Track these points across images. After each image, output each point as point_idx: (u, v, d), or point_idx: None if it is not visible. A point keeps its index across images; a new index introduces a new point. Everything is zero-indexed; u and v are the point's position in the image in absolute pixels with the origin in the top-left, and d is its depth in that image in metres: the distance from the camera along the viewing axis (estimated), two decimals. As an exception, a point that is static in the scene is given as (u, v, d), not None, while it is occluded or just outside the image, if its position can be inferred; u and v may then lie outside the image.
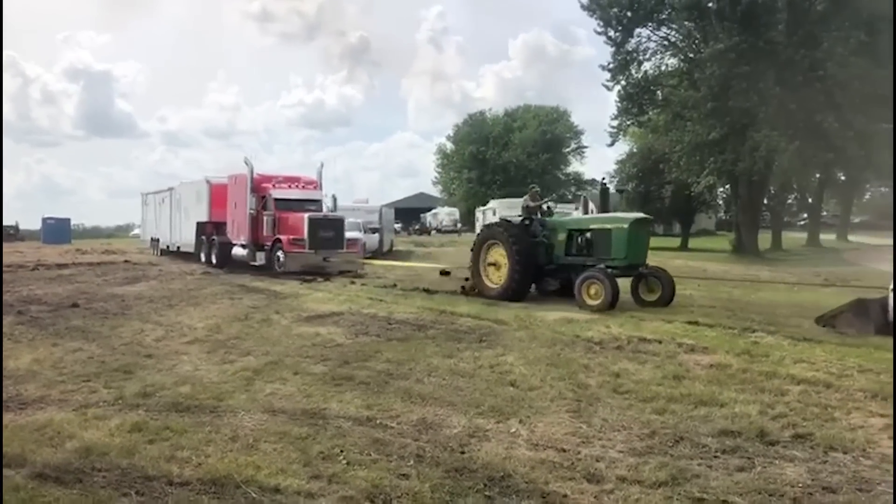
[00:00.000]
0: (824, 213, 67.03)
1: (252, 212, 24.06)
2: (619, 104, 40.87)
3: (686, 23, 36.19)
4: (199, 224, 27.87)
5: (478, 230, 62.71)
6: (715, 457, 5.44)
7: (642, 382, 7.59)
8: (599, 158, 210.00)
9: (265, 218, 23.65)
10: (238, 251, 24.90)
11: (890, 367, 7.78)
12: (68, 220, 56.25)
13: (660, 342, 9.56)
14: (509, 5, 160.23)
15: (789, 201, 64.39)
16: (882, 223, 79.28)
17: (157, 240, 34.14)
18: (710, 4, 33.35)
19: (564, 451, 5.62)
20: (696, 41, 36.75)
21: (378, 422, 6.43)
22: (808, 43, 32.29)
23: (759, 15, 31.60)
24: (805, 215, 66.47)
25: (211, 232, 27.06)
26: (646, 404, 6.81)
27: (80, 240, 56.23)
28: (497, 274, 15.45)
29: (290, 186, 25.16)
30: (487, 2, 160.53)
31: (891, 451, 5.45)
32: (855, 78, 32.31)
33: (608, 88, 40.17)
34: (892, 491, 4.73)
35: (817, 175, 51.67)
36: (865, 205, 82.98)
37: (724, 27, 33.12)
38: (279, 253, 22.95)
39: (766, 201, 46.74)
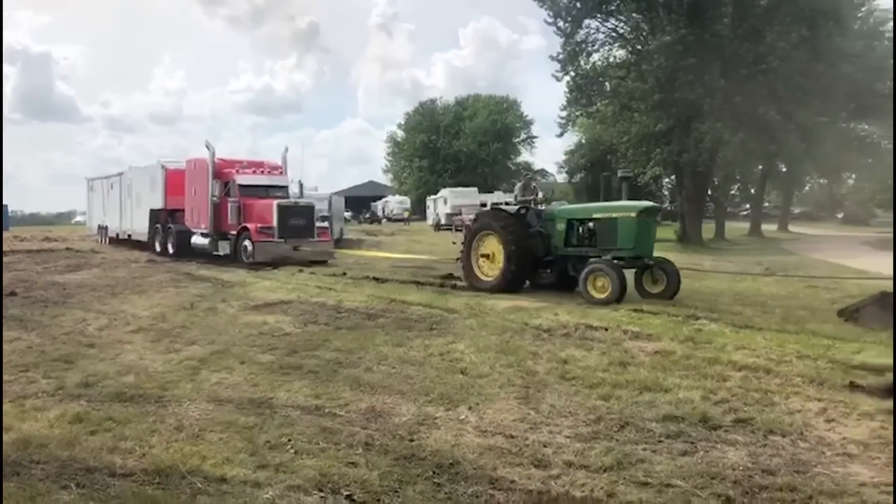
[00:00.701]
0: (766, 204, 68.70)
1: (215, 199, 22.89)
2: (568, 95, 41.10)
3: (634, 15, 36.55)
4: (152, 211, 26.61)
5: (429, 220, 62.68)
6: (659, 441, 5.55)
7: (589, 369, 7.69)
8: (549, 148, 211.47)
9: (229, 205, 22.42)
10: (198, 240, 23.76)
11: (826, 353, 8.03)
12: (6, 206, 54.53)
13: (606, 329, 9.69)
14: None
15: (733, 192, 65.70)
16: (821, 214, 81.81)
17: (105, 227, 32.75)
18: (658, -3, 33.78)
19: (512, 437, 5.67)
20: (644, 33, 37.14)
21: (326, 410, 6.41)
22: (751, 37, 32.94)
23: (705, 8, 32.09)
24: (748, 206, 68.02)
25: (166, 220, 25.94)
26: (592, 390, 6.91)
27: (19, 227, 54.60)
28: (490, 266, 14.74)
29: (254, 172, 23.82)
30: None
31: (827, 434, 5.63)
32: (796, 72, 33.11)
33: (557, 79, 40.31)
34: (828, 472, 4.89)
35: (760, 167, 52.80)
36: (805, 196, 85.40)
37: (671, 20, 33.57)
38: (246, 242, 21.67)
39: (710, 192, 47.58)
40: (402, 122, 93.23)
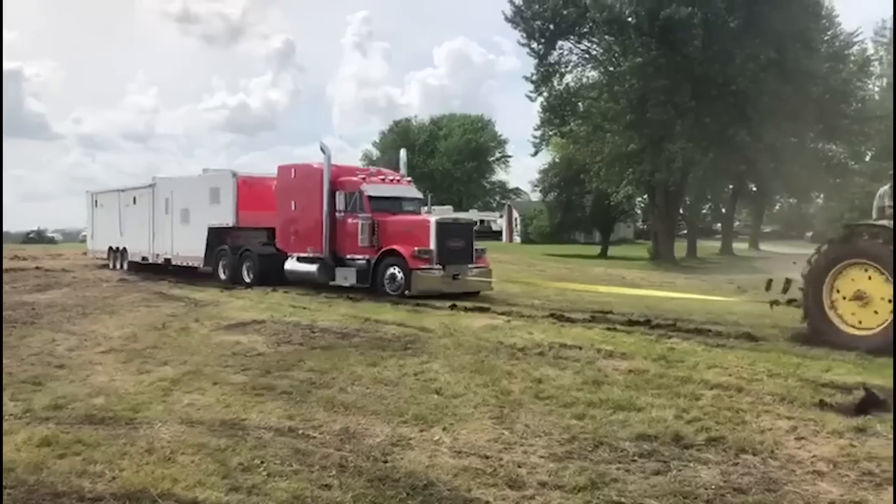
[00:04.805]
0: (737, 223, 69.59)
1: (340, 214, 18.59)
2: (542, 115, 41.62)
3: (606, 37, 37.08)
4: (213, 230, 22.12)
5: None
6: (633, 461, 5.57)
7: (563, 388, 7.71)
8: (524, 167, 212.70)
9: (360, 223, 17.86)
10: (297, 266, 19.55)
11: (796, 371, 8.14)
12: None
13: (580, 348, 9.73)
14: (434, 13, 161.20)
15: (704, 211, 66.57)
16: (790, 233, 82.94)
17: (122, 250, 27.19)
18: (630, 19, 34.26)
19: (487, 457, 5.66)
20: (616, 55, 37.68)
21: (300, 432, 6.36)
22: (721, 59, 33.53)
23: (675, 31, 32.64)
24: (719, 225, 68.84)
25: (235, 240, 21.81)
26: (566, 409, 6.93)
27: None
28: (864, 314, 10.11)
29: (383, 181, 19.53)
30: (412, 8, 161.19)
31: (797, 452, 5.69)
32: (765, 93, 33.74)
33: (531, 99, 40.83)
34: (798, 490, 4.94)
35: (730, 186, 53.63)
36: (775, 215, 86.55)
37: (643, 42, 34.08)
38: (394, 270, 17.13)
39: (681, 211, 48.17)
40: (377, 141, 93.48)
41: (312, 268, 18.92)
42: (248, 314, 13.91)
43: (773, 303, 11.73)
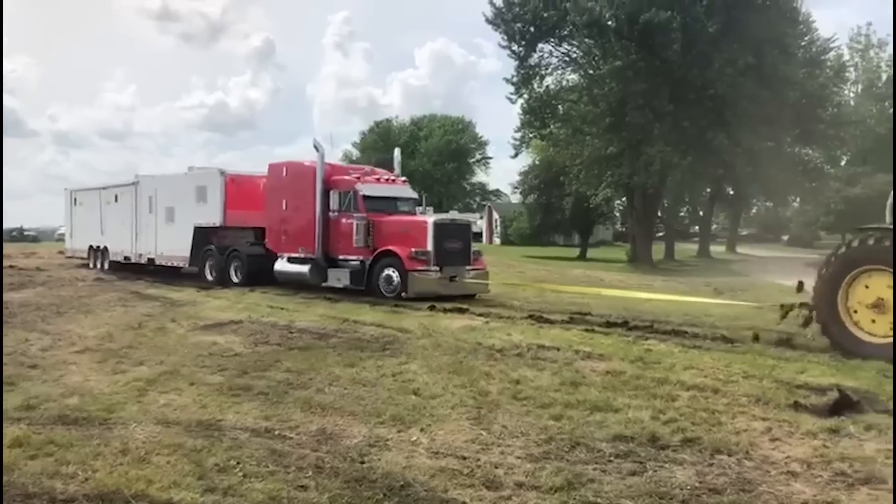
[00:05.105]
0: (714, 226, 70.20)
1: (334, 214, 18.25)
2: (522, 117, 41.71)
3: (586, 40, 37.23)
4: (200, 230, 21.71)
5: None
6: (609, 461, 5.59)
7: (541, 389, 7.73)
8: (504, 169, 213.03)
9: (354, 223, 17.55)
10: (287, 267, 19.15)
11: (771, 373, 8.22)
12: None
13: (558, 349, 9.77)
14: (416, 14, 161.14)
15: (682, 214, 67.09)
16: (767, 236, 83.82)
17: (103, 249, 26.65)
18: (610, 23, 34.39)
19: (464, 458, 5.66)
20: (596, 58, 37.85)
21: (276, 432, 6.32)
22: (700, 63, 33.79)
23: (655, 34, 32.83)
24: (696, 227, 69.39)
25: (223, 240, 21.47)
26: (544, 410, 6.94)
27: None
28: (883, 321, 9.60)
29: (378, 180, 19.21)
30: (394, 9, 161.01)
31: (771, 453, 5.74)
32: (743, 97, 34.06)
33: (512, 101, 40.91)
34: (772, 491, 4.98)
35: (708, 189, 54.07)
36: (752, 218, 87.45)
37: (623, 45, 34.27)
38: (390, 272, 16.82)
39: (659, 213, 48.50)
40: (358, 141, 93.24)
41: (304, 269, 18.55)
42: (226, 314, 13.83)
43: (785, 306, 11.45)
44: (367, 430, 6.37)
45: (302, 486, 5.04)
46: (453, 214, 20.68)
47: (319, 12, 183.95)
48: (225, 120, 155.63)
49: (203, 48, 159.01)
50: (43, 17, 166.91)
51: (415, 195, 19.97)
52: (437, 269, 16.76)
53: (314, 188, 18.22)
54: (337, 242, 18.18)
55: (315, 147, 18.50)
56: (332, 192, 18.27)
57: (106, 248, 26.47)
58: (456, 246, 17.38)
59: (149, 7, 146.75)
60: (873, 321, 9.66)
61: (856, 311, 9.84)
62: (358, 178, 18.66)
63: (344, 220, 17.95)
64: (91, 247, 27.47)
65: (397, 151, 22.40)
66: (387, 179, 19.58)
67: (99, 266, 26.54)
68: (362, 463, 5.56)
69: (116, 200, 26.11)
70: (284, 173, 19.67)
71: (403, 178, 20.58)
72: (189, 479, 5.14)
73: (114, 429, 6.40)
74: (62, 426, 6.45)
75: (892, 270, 9.36)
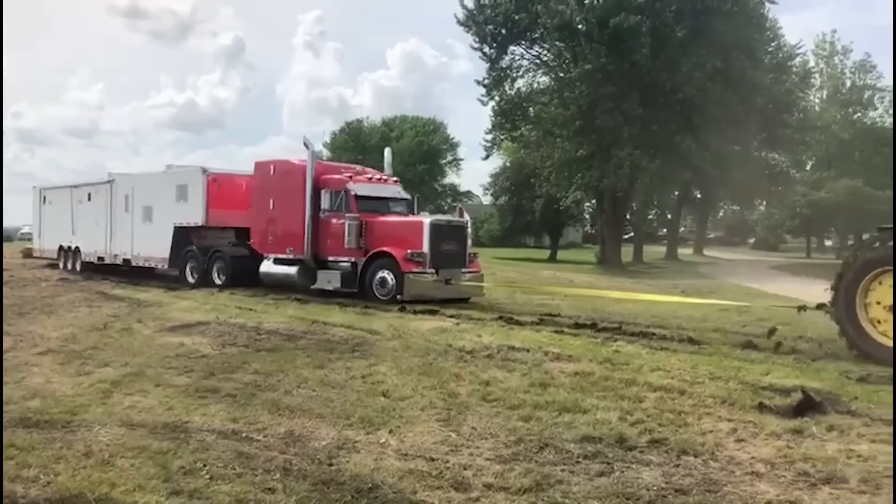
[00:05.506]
0: (682, 228, 71.02)
1: (325, 213, 17.69)
2: (493, 119, 41.83)
3: (557, 43, 37.45)
4: (180, 230, 21.08)
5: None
6: (577, 462, 5.62)
7: (510, 390, 7.75)
8: (475, 171, 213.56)
9: (346, 224, 16.93)
10: (274, 269, 18.64)
11: (737, 375, 8.32)
12: None
13: (528, 351, 9.79)
14: (388, 14, 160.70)
15: (650, 216, 67.74)
16: (733, 239, 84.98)
17: (74, 249, 25.75)
18: (580, 26, 34.63)
19: (433, 460, 5.65)
20: (567, 61, 38.10)
21: (244, 435, 6.27)
22: (668, 67, 34.18)
23: (624, 39, 33.13)
24: (664, 230, 70.14)
25: (204, 241, 20.83)
26: (513, 411, 6.96)
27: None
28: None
29: (370, 180, 18.73)
30: (365, 9, 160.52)
31: (737, 453, 5.81)
32: (711, 102, 34.50)
33: (483, 103, 41.01)
34: (737, 491, 5.04)
35: (676, 192, 54.70)
36: (719, 221, 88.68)
37: (593, 49, 34.54)
38: (384, 274, 16.31)
39: (628, 216, 48.94)
40: (328, 141, 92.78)
41: (291, 270, 18.09)
42: (193, 315, 13.68)
43: (801, 308, 11.38)
44: (336, 432, 6.34)
45: (269, 489, 5.01)
46: (449, 216, 20.34)
47: (290, 11, 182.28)
48: (194, 119, 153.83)
49: (172, 46, 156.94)
50: (7, 11, 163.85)
51: (407, 196, 19.44)
52: (433, 271, 16.32)
53: (304, 187, 17.75)
54: (327, 243, 17.66)
55: (305, 145, 18.09)
56: (323, 192, 17.76)
57: (78, 248, 25.64)
58: (451, 248, 16.95)
59: (117, 4, 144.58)
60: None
61: (875, 318, 9.59)
62: (350, 177, 18.23)
63: (335, 221, 17.42)
64: (62, 247, 26.55)
65: (388, 151, 21.93)
66: (378, 179, 19.11)
67: (70, 267, 25.76)
68: (330, 465, 5.53)
69: (89, 199, 25.40)
70: (272, 171, 19.17)
71: (395, 178, 20.19)
72: (154, 482, 5.08)
73: (77, 431, 6.30)
74: (23, 429, 6.34)
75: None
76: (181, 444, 5.95)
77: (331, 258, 17.61)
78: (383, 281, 16.28)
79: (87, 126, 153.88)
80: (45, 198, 28.55)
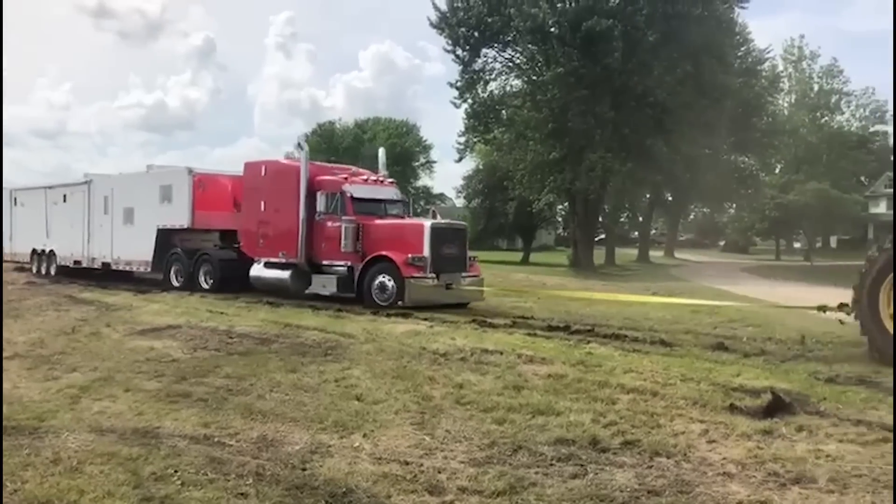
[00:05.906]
0: (653, 231, 71.61)
1: (321, 216, 17.15)
2: (466, 121, 41.87)
3: (530, 46, 37.58)
4: (164, 232, 20.47)
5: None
6: (551, 465, 5.64)
7: (484, 393, 7.75)
8: (448, 174, 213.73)
9: (343, 227, 16.40)
10: (265, 273, 18.14)
11: (708, 376, 8.40)
12: None
13: (501, 353, 9.81)
14: (360, 15, 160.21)
15: (622, 219, 68.28)
16: (704, 241, 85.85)
17: (49, 253, 25.10)
18: (553, 30, 34.78)
19: (407, 463, 5.64)
20: (539, 64, 38.22)
21: (216, 440, 6.21)
22: (640, 71, 34.43)
23: (596, 42, 33.29)
24: (636, 233, 70.73)
25: (188, 243, 20.35)
26: (486, 414, 6.97)
27: None
28: None
29: (366, 182, 18.13)
30: (337, 10, 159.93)
31: (708, 454, 5.87)
32: (681, 106, 34.84)
33: (456, 106, 41.04)
34: (709, 492, 5.09)
35: (647, 195, 55.12)
36: (690, 224, 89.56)
37: (565, 52, 34.69)
38: (383, 279, 15.81)
39: (600, 219, 49.21)
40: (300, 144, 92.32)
41: (284, 274, 17.55)
42: (163, 319, 13.53)
43: (822, 308, 11.23)
44: (309, 437, 6.30)
45: (242, 494, 4.96)
46: (449, 219, 20.01)
47: (262, 12, 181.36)
48: (164, 120, 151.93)
49: (141, 46, 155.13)
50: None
51: (404, 198, 19.04)
52: (434, 275, 15.86)
53: (297, 189, 17.18)
54: (322, 247, 17.12)
55: (299, 145, 17.70)
56: (318, 194, 17.18)
57: (52, 251, 24.98)
58: (452, 251, 16.55)
59: (86, 4, 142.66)
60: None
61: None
62: (345, 178, 17.72)
63: (330, 224, 16.90)
64: (35, 250, 25.78)
65: (382, 151, 21.39)
66: (375, 180, 18.56)
67: (44, 271, 25.15)
68: (304, 470, 5.49)
69: (65, 201, 24.68)
70: (263, 173, 18.53)
71: (391, 180, 19.66)
72: (124, 489, 5.01)
73: (45, 438, 6.20)
74: (-10, 436, 6.22)
75: None
76: (152, 449, 5.88)
77: (326, 262, 17.18)
78: (383, 286, 15.83)
79: (53, 127, 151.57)
80: (16, 199, 27.69)
